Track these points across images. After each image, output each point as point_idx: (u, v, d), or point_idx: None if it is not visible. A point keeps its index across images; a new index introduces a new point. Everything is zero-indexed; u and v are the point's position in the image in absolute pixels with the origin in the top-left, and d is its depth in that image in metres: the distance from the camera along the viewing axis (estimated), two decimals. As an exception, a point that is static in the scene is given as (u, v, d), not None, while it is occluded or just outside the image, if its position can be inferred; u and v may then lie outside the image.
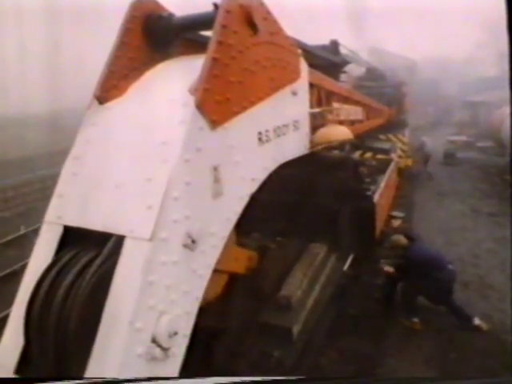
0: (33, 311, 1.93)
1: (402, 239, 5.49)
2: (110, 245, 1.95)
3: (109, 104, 2.46)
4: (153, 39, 2.72)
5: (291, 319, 3.63)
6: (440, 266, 5.25)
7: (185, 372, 2.56)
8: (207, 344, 3.06)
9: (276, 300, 3.74)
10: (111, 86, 2.48)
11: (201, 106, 2.12)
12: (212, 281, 3.16)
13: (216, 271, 3.13)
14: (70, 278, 1.94)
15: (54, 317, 1.87)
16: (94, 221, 2.07)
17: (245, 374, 3.13)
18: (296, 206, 4.74)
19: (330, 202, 4.91)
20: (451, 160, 15.99)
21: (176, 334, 1.93)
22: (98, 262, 1.92)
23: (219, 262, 3.06)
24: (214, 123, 2.20)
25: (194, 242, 2.04)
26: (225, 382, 2.15)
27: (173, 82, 2.46)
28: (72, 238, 2.15)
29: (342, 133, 3.64)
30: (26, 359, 2.00)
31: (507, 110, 12.49)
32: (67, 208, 2.22)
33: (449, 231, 8.37)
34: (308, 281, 4.08)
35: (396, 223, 6.18)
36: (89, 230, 2.06)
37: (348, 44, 7.73)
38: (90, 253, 2.00)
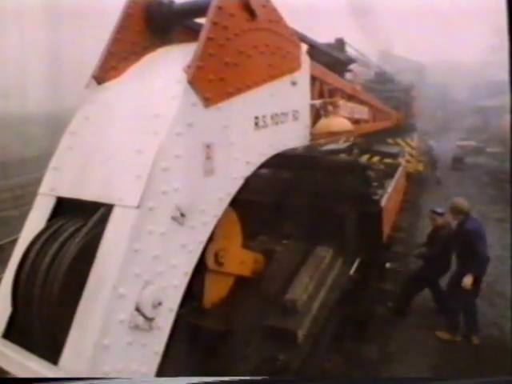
0: (20, 279, 1.97)
1: (465, 203, 5.24)
2: (98, 214, 1.98)
3: (107, 84, 2.50)
4: (153, 25, 2.75)
5: (296, 323, 3.60)
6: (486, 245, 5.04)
7: (190, 374, 2.56)
8: (212, 346, 3.06)
9: (281, 303, 3.72)
10: (110, 67, 2.52)
11: (193, 82, 2.14)
12: (218, 283, 3.18)
13: (222, 274, 3.14)
14: (55, 246, 1.97)
15: (39, 285, 1.91)
16: (86, 191, 2.11)
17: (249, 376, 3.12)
18: (303, 209, 4.72)
19: (336, 205, 4.89)
20: (460, 165, 15.85)
21: (160, 304, 1.93)
22: (84, 230, 1.95)
23: (225, 264, 3.07)
24: (208, 101, 2.21)
25: (183, 215, 2.05)
26: (210, 381, 2.15)
27: (171, 64, 2.47)
28: (65, 210, 2.19)
29: (342, 124, 3.62)
30: (13, 325, 2.05)
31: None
32: (61, 180, 2.27)
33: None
34: (314, 284, 4.05)
35: (440, 221, 5.74)
36: (82, 203, 2.09)
37: (357, 47, 7.71)
38: (79, 222, 2.04)
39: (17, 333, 2.03)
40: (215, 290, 3.13)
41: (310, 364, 3.66)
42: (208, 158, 2.21)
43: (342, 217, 4.91)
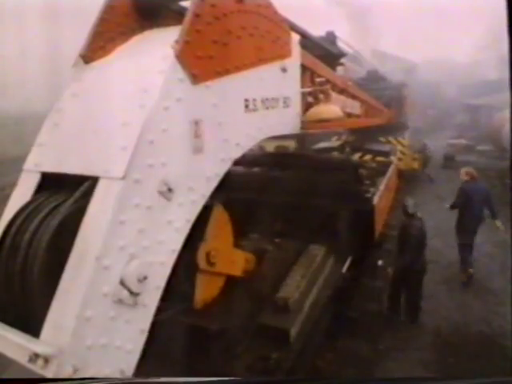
0: (1, 256, 1.94)
1: (474, 171, 6.77)
2: (82, 188, 1.95)
3: (94, 63, 2.48)
4: (140, 6, 2.73)
5: (289, 321, 3.61)
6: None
7: (183, 373, 2.55)
8: (204, 346, 3.04)
9: (274, 302, 3.72)
10: (98, 47, 2.50)
11: (180, 57, 2.13)
12: (209, 283, 3.17)
13: (213, 273, 3.13)
14: (36, 221, 1.93)
15: (20, 261, 1.88)
16: (71, 166, 2.08)
17: (242, 376, 3.12)
18: (295, 208, 4.73)
19: (329, 203, 4.90)
20: (451, 163, 15.96)
21: (146, 278, 1.91)
22: (66, 204, 1.92)
23: (217, 264, 3.06)
24: (195, 78, 2.20)
25: (170, 190, 2.03)
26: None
27: (159, 43, 2.46)
28: (50, 186, 2.15)
29: (332, 111, 3.61)
30: None
31: (508, 113, 12.47)
32: (45, 156, 2.23)
33: (447, 234, 8.34)
34: (306, 283, 4.06)
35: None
36: (67, 178, 2.06)
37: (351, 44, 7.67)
38: (62, 197, 2.01)
39: None
40: (207, 290, 3.11)
41: (303, 362, 3.67)
42: (197, 135, 2.20)
43: (334, 215, 4.92)
